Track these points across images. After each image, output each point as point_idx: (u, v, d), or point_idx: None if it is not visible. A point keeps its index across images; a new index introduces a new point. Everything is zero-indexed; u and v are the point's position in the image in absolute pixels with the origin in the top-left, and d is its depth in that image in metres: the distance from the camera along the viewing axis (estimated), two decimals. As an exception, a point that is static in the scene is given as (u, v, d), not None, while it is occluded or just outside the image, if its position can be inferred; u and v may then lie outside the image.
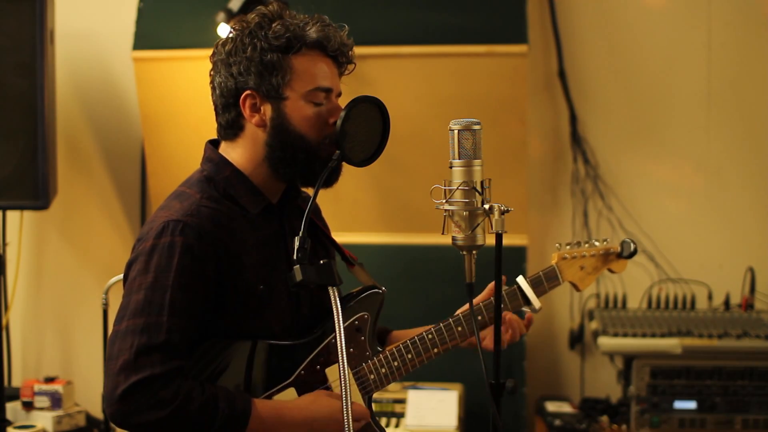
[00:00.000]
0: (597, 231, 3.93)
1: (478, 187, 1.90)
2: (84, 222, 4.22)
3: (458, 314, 2.23)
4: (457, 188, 1.91)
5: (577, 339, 3.95)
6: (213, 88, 2.06)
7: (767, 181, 3.91)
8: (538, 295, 2.28)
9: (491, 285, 2.26)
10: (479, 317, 2.24)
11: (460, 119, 1.92)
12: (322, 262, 1.91)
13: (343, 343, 1.81)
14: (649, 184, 3.95)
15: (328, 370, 2.09)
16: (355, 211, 3.83)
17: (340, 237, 3.87)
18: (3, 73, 3.46)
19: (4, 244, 3.95)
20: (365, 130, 2.02)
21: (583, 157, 3.95)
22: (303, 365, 2.06)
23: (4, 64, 3.46)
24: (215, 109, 2.08)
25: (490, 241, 1.90)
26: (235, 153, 2.07)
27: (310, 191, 2.13)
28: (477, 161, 1.91)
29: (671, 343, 3.44)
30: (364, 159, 2.04)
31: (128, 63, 3.86)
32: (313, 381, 2.07)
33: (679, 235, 3.94)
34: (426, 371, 3.63)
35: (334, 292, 1.86)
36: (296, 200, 2.17)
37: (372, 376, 2.14)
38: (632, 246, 2.34)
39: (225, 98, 2.03)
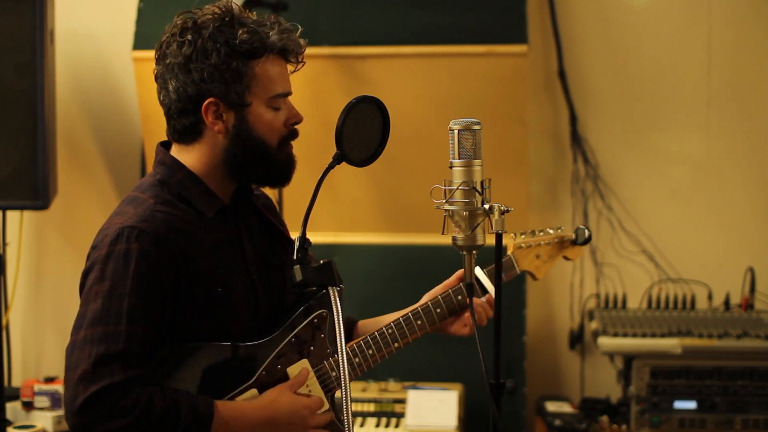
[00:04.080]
0: (597, 231, 3.93)
1: (478, 187, 1.91)
2: (84, 222, 4.22)
3: (416, 307, 2.27)
4: (457, 188, 1.91)
5: (577, 339, 3.95)
6: (166, 92, 2.03)
7: (767, 181, 3.91)
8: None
9: (448, 280, 2.31)
10: (438, 310, 2.26)
11: (460, 119, 1.92)
12: (322, 261, 1.91)
13: (344, 343, 1.81)
14: (649, 184, 3.95)
15: (289, 369, 2.08)
16: (355, 211, 3.83)
17: (340, 237, 3.88)
18: (3, 73, 3.46)
19: (4, 244, 3.95)
20: (365, 130, 2.02)
21: (583, 157, 3.95)
22: (264, 365, 2.06)
23: (4, 64, 3.46)
24: (167, 112, 2.05)
25: (490, 241, 1.90)
26: (189, 156, 2.06)
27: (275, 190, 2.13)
28: (477, 161, 1.91)
29: (671, 343, 3.44)
30: (364, 159, 2.04)
31: (128, 63, 3.86)
32: (275, 381, 2.06)
33: (679, 235, 3.94)
34: (426, 371, 3.63)
35: (333, 292, 1.86)
36: (248, 200, 2.16)
37: (333, 374, 2.13)
38: (586, 232, 2.37)
39: (183, 103, 2.01)
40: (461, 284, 2.28)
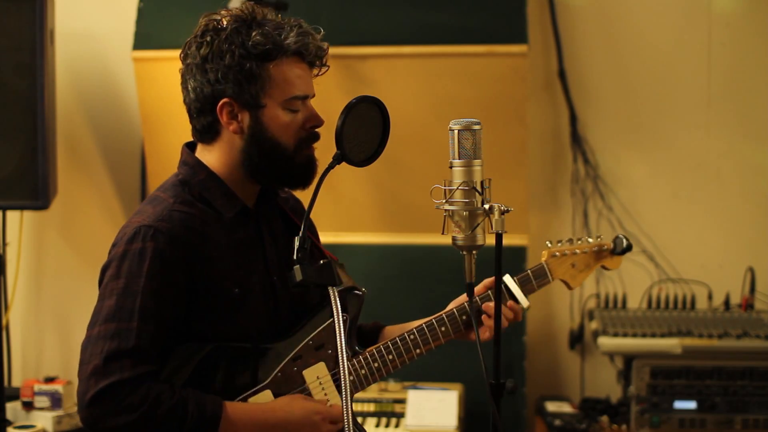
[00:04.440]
0: (597, 231, 3.93)
1: (478, 187, 1.91)
2: (84, 222, 4.22)
3: (441, 314, 2.23)
4: (457, 188, 1.91)
5: (577, 339, 3.95)
6: (186, 91, 2.06)
7: (767, 181, 3.91)
8: (527, 293, 2.26)
9: (479, 285, 2.25)
10: (464, 317, 2.22)
11: (460, 119, 1.92)
12: (322, 262, 1.91)
13: (344, 343, 1.81)
14: (649, 184, 3.95)
15: (305, 372, 2.08)
16: (355, 211, 3.83)
17: (340, 237, 3.87)
18: (3, 73, 3.46)
19: (4, 244, 3.95)
20: (365, 130, 2.02)
21: (583, 157, 3.95)
22: (280, 367, 2.06)
23: (4, 64, 3.46)
24: (189, 112, 2.08)
25: (490, 241, 1.90)
26: (210, 156, 2.07)
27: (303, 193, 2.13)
28: (477, 161, 1.91)
29: (671, 343, 3.44)
30: (364, 159, 2.04)
31: (128, 63, 3.86)
32: (290, 383, 2.06)
33: (679, 235, 3.94)
34: (426, 371, 3.63)
35: (334, 293, 1.86)
36: (273, 201, 2.17)
37: (351, 377, 2.12)
38: (625, 242, 2.31)
39: (200, 103, 2.03)
40: (489, 292, 2.24)
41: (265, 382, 2.04)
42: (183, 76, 2.07)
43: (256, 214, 2.11)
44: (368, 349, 2.17)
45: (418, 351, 2.19)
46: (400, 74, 3.67)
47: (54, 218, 4.17)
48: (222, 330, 2.00)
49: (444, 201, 1.93)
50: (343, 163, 2.01)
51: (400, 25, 3.69)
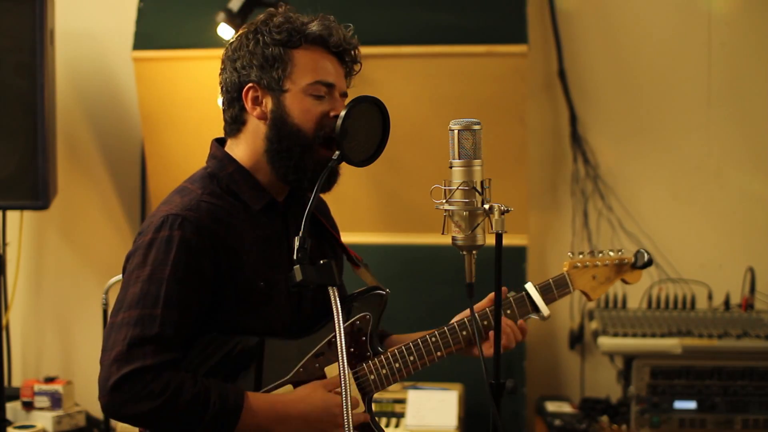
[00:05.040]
0: (597, 231, 3.93)
1: (478, 187, 1.91)
2: (84, 222, 4.22)
3: (463, 319, 2.23)
4: (457, 188, 1.91)
5: (577, 339, 3.95)
6: (221, 87, 2.10)
7: (767, 182, 3.91)
8: (548, 302, 2.27)
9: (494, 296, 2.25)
10: (485, 322, 2.23)
11: (460, 119, 1.92)
12: (322, 261, 1.91)
13: (343, 343, 1.81)
14: (649, 184, 3.95)
15: (327, 369, 2.09)
16: (355, 211, 3.83)
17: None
18: (3, 73, 3.46)
19: (4, 244, 3.95)
20: (365, 130, 2.03)
21: (583, 157, 3.95)
22: (302, 363, 2.07)
23: (4, 64, 3.46)
24: (222, 107, 2.11)
25: (490, 241, 1.90)
26: (238, 149, 2.09)
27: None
28: (477, 161, 1.91)
29: (671, 343, 3.44)
30: (364, 159, 2.05)
31: (128, 63, 3.86)
32: (312, 379, 2.07)
33: (679, 235, 3.94)
34: (426, 371, 3.63)
35: (333, 292, 1.86)
36: (302, 200, 2.17)
37: (372, 377, 2.14)
38: (646, 256, 2.32)
39: (230, 93, 2.07)
40: (510, 298, 2.25)
41: (287, 377, 2.05)
42: (220, 75, 2.10)
43: (283, 210, 2.12)
44: (390, 350, 2.17)
45: (439, 354, 2.19)
46: (400, 74, 3.67)
47: (54, 218, 4.17)
48: (246, 322, 2.01)
49: (444, 201, 1.93)
50: (343, 163, 2.02)
51: (400, 25, 3.70)
